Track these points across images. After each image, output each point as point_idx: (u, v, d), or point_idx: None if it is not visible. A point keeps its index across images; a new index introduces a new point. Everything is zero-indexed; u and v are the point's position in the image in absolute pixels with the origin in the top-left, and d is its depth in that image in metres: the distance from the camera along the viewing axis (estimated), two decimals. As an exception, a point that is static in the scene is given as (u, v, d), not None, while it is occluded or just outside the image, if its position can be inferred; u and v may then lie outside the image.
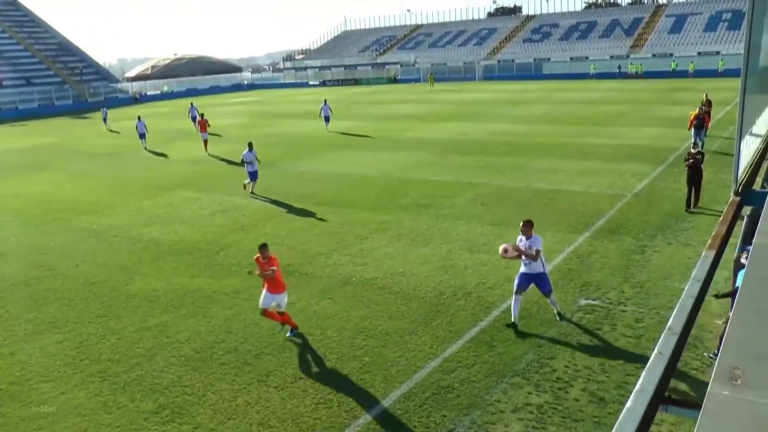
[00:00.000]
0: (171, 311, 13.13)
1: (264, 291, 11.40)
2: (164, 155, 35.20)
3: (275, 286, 11.31)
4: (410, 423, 8.78)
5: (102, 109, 56.84)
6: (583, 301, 12.33)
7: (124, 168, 31.89)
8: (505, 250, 11.01)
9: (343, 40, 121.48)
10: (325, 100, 40.09)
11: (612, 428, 2.60)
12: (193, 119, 44.70)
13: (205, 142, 34.80)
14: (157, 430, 9.01)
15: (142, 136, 38.37)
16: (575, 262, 14.46)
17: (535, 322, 11.55)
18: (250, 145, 23.29)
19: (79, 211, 22.73)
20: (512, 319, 11.35)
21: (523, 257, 11.12)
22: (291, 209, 20.59)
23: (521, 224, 11.24)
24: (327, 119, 39.83)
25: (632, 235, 16.09)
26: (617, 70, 78.08)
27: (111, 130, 49.77)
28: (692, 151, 18.02)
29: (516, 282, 11.34)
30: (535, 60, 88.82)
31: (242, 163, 23.40)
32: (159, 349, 11.47)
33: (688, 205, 17.90)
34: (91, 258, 17.09)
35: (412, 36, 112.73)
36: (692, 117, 25.47)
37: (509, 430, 8.47)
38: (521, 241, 11.18)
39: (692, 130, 25.09)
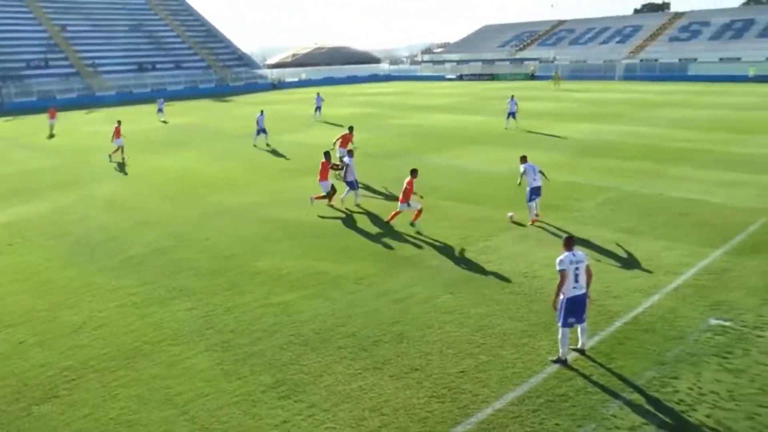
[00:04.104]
0: (294, 291, 13.35)
1: None
2: (299, 141, 36.12)
3: None
4: (522, 427, 8.42)
5: (159, 100, 54.77)
6: (713, 321, 11.30)
7: (258, 150, 33.07)
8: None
9: (484, 34, 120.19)
10: (512, 96, 38.70)
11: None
12: (317, 108, 45.62)
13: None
14: (273, 404, 9.14)
15: (260, 131, 34.50)
16: (708, 278, 13.31)
17: (658, 337, 10.74)
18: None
19: (213, 188, 23.81)
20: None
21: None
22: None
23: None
24: (511, 115, 37.44)
25: (779, 254, 14.61)
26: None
27: (164, 121, 49.45)
28: None
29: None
30: (680, 60, 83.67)
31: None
32: (280, 326, 11.68)
33: None
34: (222, 233, 17.77)
35: (553, 32, 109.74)
36: None
37: (627, 449, 7.92)
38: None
39: None
